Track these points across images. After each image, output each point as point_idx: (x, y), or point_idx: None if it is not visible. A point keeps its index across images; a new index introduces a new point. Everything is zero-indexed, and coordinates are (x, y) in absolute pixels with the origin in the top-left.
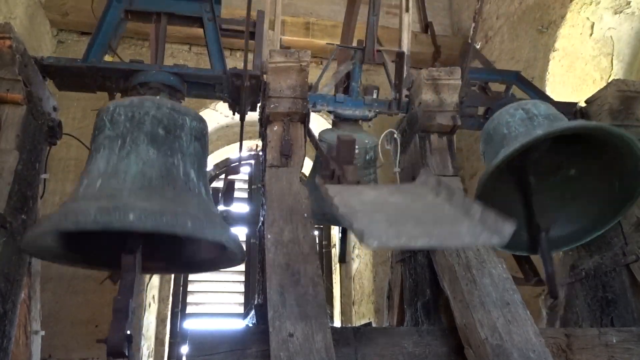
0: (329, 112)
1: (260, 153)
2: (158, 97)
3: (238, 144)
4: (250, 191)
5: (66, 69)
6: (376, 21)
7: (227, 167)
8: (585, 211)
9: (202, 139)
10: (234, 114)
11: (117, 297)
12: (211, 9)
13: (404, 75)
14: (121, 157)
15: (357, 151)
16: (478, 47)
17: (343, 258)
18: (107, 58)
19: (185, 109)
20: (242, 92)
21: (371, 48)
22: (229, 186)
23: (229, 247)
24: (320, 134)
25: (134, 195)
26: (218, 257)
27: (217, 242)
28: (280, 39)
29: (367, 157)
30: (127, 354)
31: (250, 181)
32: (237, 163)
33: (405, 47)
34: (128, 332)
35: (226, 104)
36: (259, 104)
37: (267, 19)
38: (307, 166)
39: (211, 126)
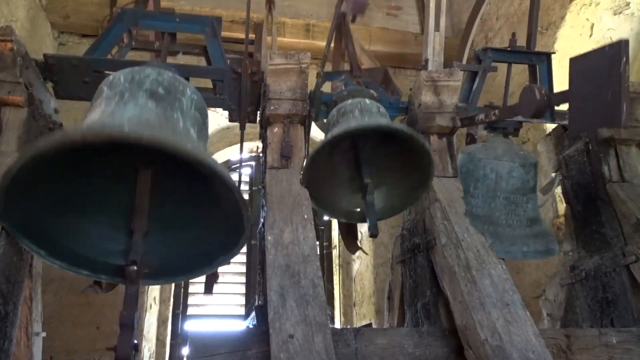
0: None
1: (261, 155)
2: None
3: (239, 145)
4: (251, 193)
5: (67, 61)
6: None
7: (228, 169)
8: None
9: (202, 112)
10: (232, 120)
11: (123, 312)
12: (212, 30)
13: (394, 89)
14: (118, 106)
15: (367, 102)
16: (478, 48)
17: (375, 229)
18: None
19: (187, 82)
20: (243, 77)
21: (357, 73)
22: (211, 276)
23: (230, 186)
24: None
25: (129, 125)
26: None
27: (218, 174)
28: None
29: (380, 110)
30: None
31: (251, 183)
32: (238, 165)
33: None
34: (135, 341)
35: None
36: (258, 111)
37: (266, 22)
38: None
39: (212, 128)
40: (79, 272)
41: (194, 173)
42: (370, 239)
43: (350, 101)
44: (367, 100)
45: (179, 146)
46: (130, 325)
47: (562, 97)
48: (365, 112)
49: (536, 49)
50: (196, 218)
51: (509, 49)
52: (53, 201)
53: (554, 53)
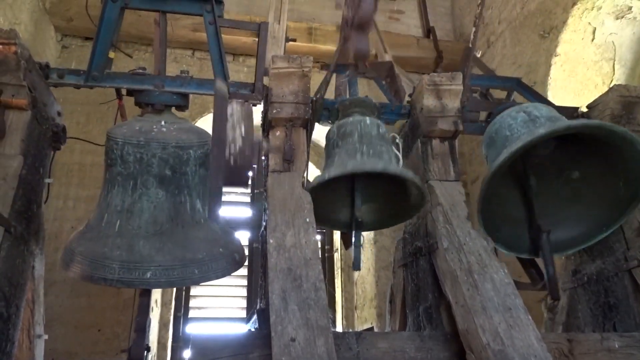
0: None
1: (263, 158)
2: (163, 123)
3: None
4: (253, 196)
5: (70, 85)
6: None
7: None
8: (588, 214)
9: (206, 161)
10: None
11: (137, 319)
12: (212, 9)
13: (399, 85)
14: (134, 200)
15: (368, 121)
16: (480, 52)
17: (358, 266)
18: (110, 54)
19: (189, 141)
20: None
21: (362, 68)
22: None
23: (236, 266)
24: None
25: (148, 244)
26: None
27: (220, 277)
28: (287, 37)
29: (380, 130)
30: None
31: (253, 186)
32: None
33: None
34: (147, 343)
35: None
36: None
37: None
38: (310, 171)
39: None
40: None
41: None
42: (372, 242)
43: (350, 120)
44: (368, 121)
45: (186, 282)
46: (143, 329)
47: None
48: (365, 138)
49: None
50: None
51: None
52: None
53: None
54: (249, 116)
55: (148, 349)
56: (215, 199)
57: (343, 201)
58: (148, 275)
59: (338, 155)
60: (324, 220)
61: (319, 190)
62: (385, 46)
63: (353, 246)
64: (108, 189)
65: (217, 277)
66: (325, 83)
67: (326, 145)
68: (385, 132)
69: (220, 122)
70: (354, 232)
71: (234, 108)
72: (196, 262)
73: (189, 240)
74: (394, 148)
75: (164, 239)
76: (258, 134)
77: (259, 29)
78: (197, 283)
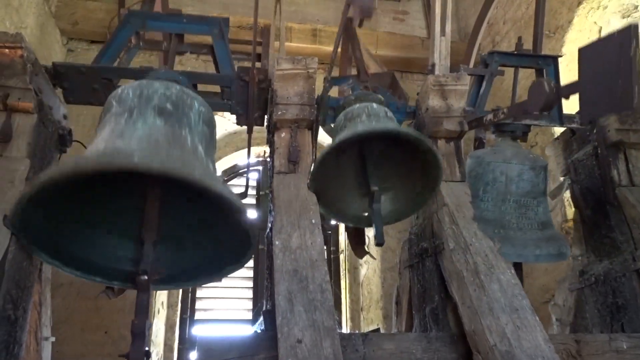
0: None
1: (268, 159)
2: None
3: (246, 150)
4: (258, 197)
5: (75, 69)
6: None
7: (235, 174)
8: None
9: (210, 125)
10: (240, 124)
11: (134, 321)
12: (220, 31)
13: (401, 94)
14: (128, 125)
15: (375, 106)
16: (485, 52)
17: (381, 238)
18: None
19: (195, 94)
20: (251, 85)
21: (364, 78)
22: None
23: (238, 210)
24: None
25: (139, 151)
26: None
27: (225, 199)
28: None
29: (388, 114)
30: None
31: (258, 187)
32: (245, 169)
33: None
34: (146, 348)
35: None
36: (266, 115)
37: (273, 27)
38: None
39: (219, 133)
40: (93, 279)
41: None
42: None
43: (357, 105)
44: (375, 105)
45: (186, 176)
46: (142, 333)
47: (571, 88)
48: (373, 117)
49: (543, 53)
50: (205, 230)
51: (515, 52)
52: (67, 216)
53: (561, 56)
54: None
55: (148, 355)
56: None
57: (355, 191)
58: (135, 159)
59: (347, 129)
60: (336, 212)
61: (329, 177)
62: (378, 63)
63: (374, 218)
64: (101, 127)
65: (222, 192)
66: (331, 64)
67: (334, 132)
68: (393, 116)
69: None
70: (373, 207)
71: None
72: (197, 168)
73: (189, 161)
74: None
75: (159, 150)
76: None
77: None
78: (196, 180)
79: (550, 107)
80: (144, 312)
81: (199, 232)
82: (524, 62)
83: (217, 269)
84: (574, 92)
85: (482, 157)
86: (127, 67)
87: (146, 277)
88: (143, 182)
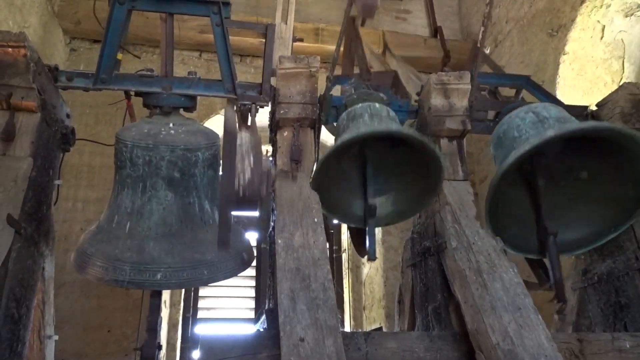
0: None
1: (271, 158)
2: (171, 126)
3: None
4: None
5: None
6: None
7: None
8: (597, 215)
9: (214, 162)
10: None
11: (148, 318)
12: (219, 10)
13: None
14: (144, 202)
15: (377, 106)
16: (487, 51)
17: (373, 255)
18: (118, 56)
19: (197, 143)
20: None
21: (366, 76)
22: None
23: (244, 265)
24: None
25: (158, 246)
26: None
27: (229, 277)
28: (294, 37)
29: (390, 114)
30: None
31: None
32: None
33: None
34: (158, 342)
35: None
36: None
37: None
38: None
39: (222, 131)
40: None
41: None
42: (380, 242)
43: (360, 105)
44: (377, 104)
45: (196, 283)
46: (154, 329)
47: None
48: (375, 117)
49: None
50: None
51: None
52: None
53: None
54: (257, 145)
55: (160, 347)
56: (224, 230)
57: (357, 192)
58: (158, 276)
59: (349, 130)
60: (338, 213)
61: (331, 178)
62: (381, 61)
63: (367, 235)
64: (118, 190)
65: (226, 278)
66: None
67: (337, 132)
68: (395, 116)
69: (229, 154)
70: (367, 221)
71: (242, 138)
72: (205, 263)
73: (198, 242)
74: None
75: (173, 240)
76: (267, 162)
77: (266, 30)
78: (206, 284)
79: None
80: (157, 311)
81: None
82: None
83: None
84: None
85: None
86: (126, 85)
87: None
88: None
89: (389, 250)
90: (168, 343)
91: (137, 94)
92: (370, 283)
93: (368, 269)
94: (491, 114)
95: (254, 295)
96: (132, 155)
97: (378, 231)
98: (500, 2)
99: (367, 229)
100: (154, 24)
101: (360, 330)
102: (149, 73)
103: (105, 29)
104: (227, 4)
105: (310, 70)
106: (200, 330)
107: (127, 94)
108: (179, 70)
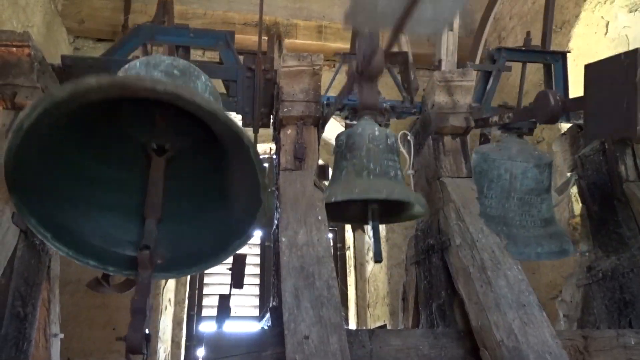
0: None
1: (274, 157)
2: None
3: None
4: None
5: (83, 61)
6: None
7: None
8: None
9: (216, 99)
10: (246, 125)
11: (134, 298)
12: (226, 43)
13: (412, 77)
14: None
15: (377, 132)
16: (491, 48)
17: (379, 257)
18: None
19: (201, 71)
20: (257, 75)
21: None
22: (239, 262)
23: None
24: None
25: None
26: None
27: (227, 126)
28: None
29: (389, 142)
30: (145, 352)
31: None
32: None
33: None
34: (146, 331)
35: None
36: (271, 115)
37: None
38: None
39: None
40: (85, 262)
41: (206, 153)
42: (384, 239)
43: (359, 131)
44: (377, 130)
45: (196, 98)
46: (141, 310)
47: (577, 103)
48: (372, 156)
49: (551, 48)
50: (209, 203)
51: (523, 48)
52: (64, 185)
53: (569, 52)
54: None
55: (148, 338)
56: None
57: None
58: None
59: (346, 170)
60: (337, 216)
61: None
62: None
63: (372, 239)
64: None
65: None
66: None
67: (335, 152)
68: (394, 140)
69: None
70: (370, 224)
71: None
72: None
73: None
74: (403, 150)
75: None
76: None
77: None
78: (204, 106)
79: (555, 119)
80: (145, 292)
81: (203, 207)
82: (532, 58)
83: (223, 248)
84: (579, 109)
85: (487, 154)
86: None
87: (148, 252)
88: (146, 144)
89: (393, 247)
90: (173, 341)
91: None
92: (374, 280)
93: (372, 266)
94: None
95: (258, 293)
96: (128, 67)
97: (382, 229)
98: None
99: (372, 230)
100: None
101: (364, 327)
102: None
103: (114, 47)
104: (232, 33)
105: (314, 68)
106: (205, 328)
107: None
108: None
